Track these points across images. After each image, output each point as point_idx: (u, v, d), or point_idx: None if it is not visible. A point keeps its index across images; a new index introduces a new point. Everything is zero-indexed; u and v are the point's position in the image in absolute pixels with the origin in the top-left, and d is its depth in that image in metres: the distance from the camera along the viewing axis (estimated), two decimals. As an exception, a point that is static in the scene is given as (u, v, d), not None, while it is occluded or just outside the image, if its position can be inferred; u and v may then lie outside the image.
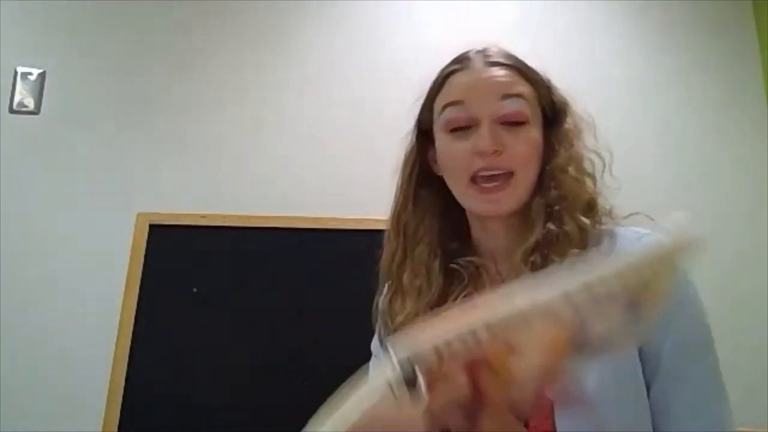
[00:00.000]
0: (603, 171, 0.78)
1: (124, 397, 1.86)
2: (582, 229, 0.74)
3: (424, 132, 0.84)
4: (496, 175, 0.74)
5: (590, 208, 0.76)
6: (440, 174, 0.80)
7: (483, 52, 0.80)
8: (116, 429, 1.83)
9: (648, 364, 0.65)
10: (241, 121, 2.14)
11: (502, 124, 0.75)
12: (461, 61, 0.80)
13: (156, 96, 2.16)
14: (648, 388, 0.66)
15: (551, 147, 0.79)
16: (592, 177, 0.78)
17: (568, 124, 0.80)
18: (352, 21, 2.25)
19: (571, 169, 0.77)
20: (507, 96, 0.76)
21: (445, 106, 0.78)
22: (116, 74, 2.16)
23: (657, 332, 0.64)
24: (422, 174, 0.83)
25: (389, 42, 2.21)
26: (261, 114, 2.15)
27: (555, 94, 0.82)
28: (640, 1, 2.23)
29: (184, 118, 2.14)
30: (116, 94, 2.15)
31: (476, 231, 0.79)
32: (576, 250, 0.71)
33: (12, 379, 1.89)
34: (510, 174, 0.74)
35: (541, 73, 0.81)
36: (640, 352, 0.65)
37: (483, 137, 0.74)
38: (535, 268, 0.70)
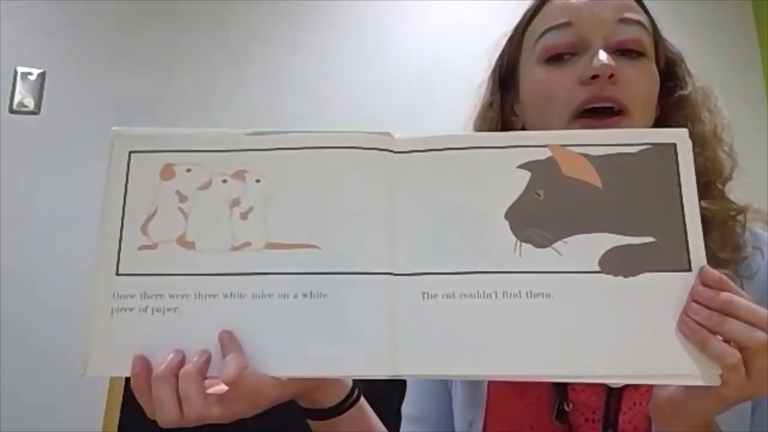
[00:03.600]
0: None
1: (124, 397, 1.85)
2: (732, 216, 0.63)
3: (505, 76, 0.71)
4: (609, 108, 0.60)
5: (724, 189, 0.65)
6: (520, 128, 0.68)
7: None
8: (116, 429, 1.83)
9: None
10: (245, 121, 2.14)
11: (614, 52, 0.62)
12: None
13: (157, 96, 2.16)
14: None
15: (668, 108, 0.67)
16: (729, 152, 0.68)
17: (693, 83, 0.68)
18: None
19: (713, 138, 0.65)
20: (626, 20, 0.63)
21: (545, 32, 0.65)
22: (117, 74, 2.16)
23: None
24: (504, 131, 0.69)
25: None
26: (265, 110, 2.15)
27: (668, 43, 0.70)
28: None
29: (185, 118, 2.13)
30: (116, 95, 2.14)
31: None
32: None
33: (12, 379, 1.89)
34: (624, 112, 0.61)
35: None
36: None
37: (597, 57, 0.60)
38: None
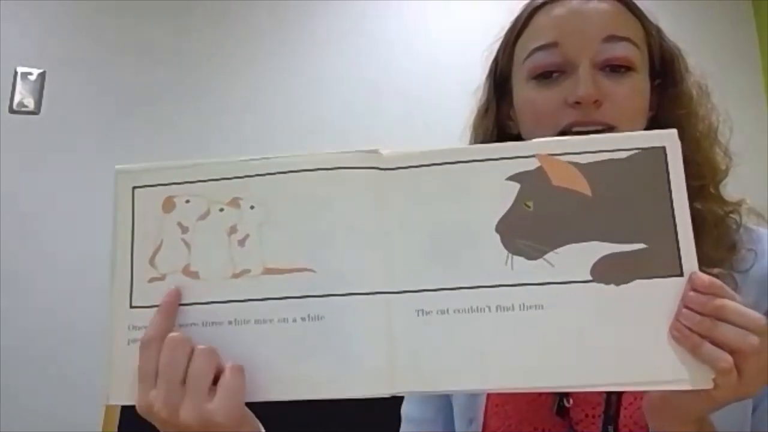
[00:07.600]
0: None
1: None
2: (726, 214, 0.64)
3: (499, 83, 0.72)
4: (593, 131, 0.60)
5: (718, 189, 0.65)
6: (516, 133, 0.68)
7: None
8: (116, 429, 1.83)
9: None
10: (244, 123, 2.14)
11: (602, 69, 0.63)
12: None
13: (157, 96, 2.16)
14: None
15: (664, 105, 0.67)
16: (725, 150, 0.68)
17: (689, 79, 0.68)
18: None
19: (709, 136, 0.66)
20: (612, 38, 0.63)
21: (533, 51, 0.65)
22: (117, 74, 2.16)
23: None
24: (500, 137, 0.70)
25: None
26: (266, 113, 2.15)
27: (665, 40, 0.70)
28: (638, 2, 2.22)
29: (185, 119, 2.14)
30: (116, 95, 2.15)
31: None
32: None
33: (12, 379, 1.89)
34: (610, 130, 0.61)
35: (649, 14, 0.68)
36: None
37: (582, 83, 0.61)
38: None
